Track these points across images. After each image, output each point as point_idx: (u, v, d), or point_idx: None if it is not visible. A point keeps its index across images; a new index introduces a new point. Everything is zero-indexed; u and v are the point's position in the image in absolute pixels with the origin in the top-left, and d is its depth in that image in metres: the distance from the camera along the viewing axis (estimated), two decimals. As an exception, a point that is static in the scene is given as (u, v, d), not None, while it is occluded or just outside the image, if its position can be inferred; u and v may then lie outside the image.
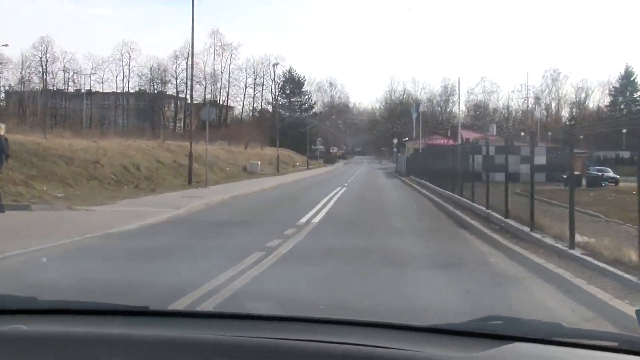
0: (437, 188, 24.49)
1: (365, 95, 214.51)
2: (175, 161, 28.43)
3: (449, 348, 1.46)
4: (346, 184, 28.87)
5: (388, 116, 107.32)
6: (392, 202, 21.11)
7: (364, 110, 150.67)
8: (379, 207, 18.61)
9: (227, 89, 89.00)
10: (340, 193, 23.89)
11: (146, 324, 1.63)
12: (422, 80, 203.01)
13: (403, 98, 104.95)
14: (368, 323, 1.63)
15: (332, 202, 19.19)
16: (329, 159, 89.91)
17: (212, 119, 51.78)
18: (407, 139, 74.86)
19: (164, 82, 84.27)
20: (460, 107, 70.78)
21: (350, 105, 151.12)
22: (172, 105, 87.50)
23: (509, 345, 1.44)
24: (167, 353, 1.36)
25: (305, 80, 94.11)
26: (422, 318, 4.40)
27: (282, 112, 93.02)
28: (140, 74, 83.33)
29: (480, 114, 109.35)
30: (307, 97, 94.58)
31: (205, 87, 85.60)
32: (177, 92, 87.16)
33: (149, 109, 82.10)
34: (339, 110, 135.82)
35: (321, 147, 67.84)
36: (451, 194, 20.24)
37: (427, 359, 1.37)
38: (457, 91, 65.85)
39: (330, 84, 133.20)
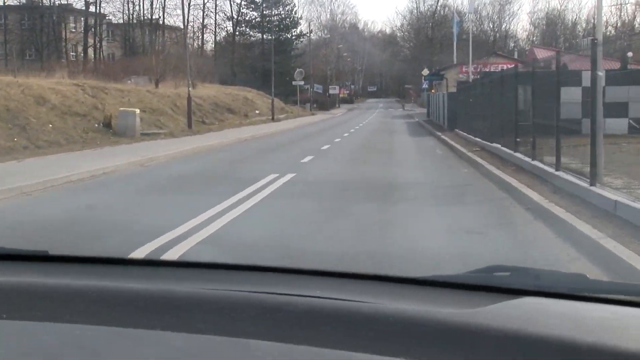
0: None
1: (381, 10, 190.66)
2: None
3: (444, 303, 1.47)
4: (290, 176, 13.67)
5: (415, 36, 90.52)
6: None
7: (380, 32, 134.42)
8: None
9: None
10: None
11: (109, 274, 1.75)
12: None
13: (436, 8, 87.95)
14: (345, 274, 1.69)
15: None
16: (324, 104, 74.40)
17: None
18: (443, 68, 58.89)
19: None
20: (520, 20, 54.83)
21: (360, 26, 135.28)
22: (77, 23, 71.75)
23: (518, 300, 1.46)
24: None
25: (285, -17, 77.73)
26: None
27: (249, 32, 77.11)
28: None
29: (553, 29, 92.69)
30: (288, 8, 78.19)
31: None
32: (87, 4, 71.25)
33: (39, 28, 66.72)
34: (342, 33, 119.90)
35: (301, 82, 52.20)
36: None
37: (416, 316, 1.39)
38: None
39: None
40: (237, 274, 1.74)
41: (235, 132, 29.40)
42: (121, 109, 23.58)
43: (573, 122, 12.55)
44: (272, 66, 44.90)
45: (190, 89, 29.67)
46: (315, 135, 29.09)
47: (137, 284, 1.58)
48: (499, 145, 16.88)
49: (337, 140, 25.80)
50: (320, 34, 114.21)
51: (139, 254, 6.04)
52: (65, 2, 71.32)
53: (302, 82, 52.51)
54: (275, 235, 7.33)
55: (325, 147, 21.77)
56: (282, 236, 7.26)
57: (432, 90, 53.38)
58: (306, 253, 6.37)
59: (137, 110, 23.39)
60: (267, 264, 1.76)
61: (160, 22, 73.37)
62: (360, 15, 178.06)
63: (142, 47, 69.38)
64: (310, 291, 1.49)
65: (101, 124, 23.06)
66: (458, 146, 20.51)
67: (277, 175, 12.63)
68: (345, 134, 29.80)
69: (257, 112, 44.90)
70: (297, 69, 54.32)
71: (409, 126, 39.03)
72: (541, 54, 56.37)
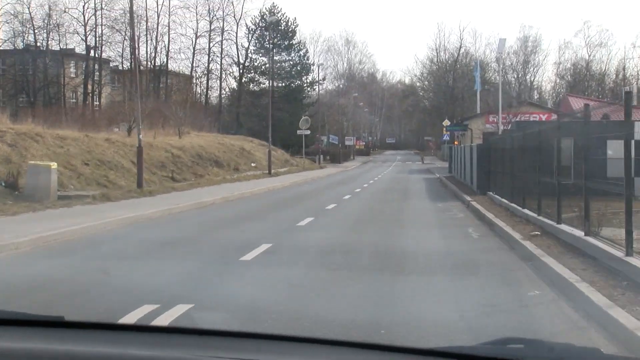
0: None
1: (400, 59, 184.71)
2: None
3: None
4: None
5: (435, 86, 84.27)
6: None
7: (399, 83, 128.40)
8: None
9: (166, 44, 67.29)
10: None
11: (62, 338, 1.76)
12: (486, 33, 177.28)
13: (458, 56, 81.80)
14: (355, 344, 1.68)
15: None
16: (335, 156, 67.81)
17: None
18: (466, 118, 52.14)
19: (59, 29, 62.89)
20: (545, 70, 48.97)
21: (378, 76, 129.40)
22: (78, 68, 66.44)
23: None
24: None
25: (297, 26, 71.98)
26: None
27: (258, 78, 71.26)
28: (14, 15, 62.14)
29: (580, 80, 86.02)
30: (300, 53, 72.31)
31: (125, 39, 64.11)
32: (87, 48, 65.95)
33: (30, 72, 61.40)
34: (359, 83, 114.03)
35: (307, 131, 45.48)
36: None
37: None
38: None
39: (347, 42, 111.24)
40: (232, 340, 1.74)
41: (207, 192, 22.66)
42: (31, 162, 16.90)
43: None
44: (269, 111, 38.42)
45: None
46: (304, 199, 22.28)
47: (147, 351, 1.58)
48: (573, 231, 9.98)
49: (330, 207, 18.95)
50: (337, 84, 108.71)
51: None
52: (65, 47, 66.09)
53: (307, 132, 45.95)
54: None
55: (304, 221, 14.84)
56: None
57: (455, 142, 46.61)
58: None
59: (54, 165, 16.65)
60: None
61: (164, 68, 67.64)
62: (379, 65, 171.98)
63: (146, 92, 63.55)
64: None
65: (2, 183, 16.42)
66: (501, 224, 13.52)
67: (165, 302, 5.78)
68: (347, 196, 22.96)
69: (253, 164, 38.31)
70: (303, 117, 47.74)
71: (428, 185, 32.10)
72: (576, 104, 49.57)
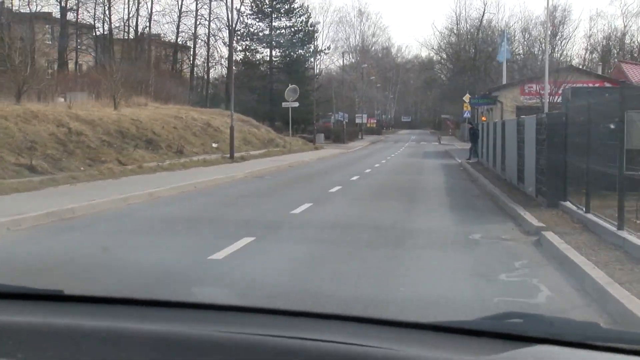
0: None
1: (417, 32, 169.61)
2: None
3: (458, 349, 1.44)
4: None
5: (454, 58, 73.25)
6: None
7: (415, 58, 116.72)
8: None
9: (148, 6, 56.72)
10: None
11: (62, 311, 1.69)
12: (509, 3, 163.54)
13: (481, 23, 70.63)
14: (356, 318, 1.64)
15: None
16: (339, 135, 57.38)
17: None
18: (493, 89, 41.38)
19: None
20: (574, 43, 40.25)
21: (393, 50, 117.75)
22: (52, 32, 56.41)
23: (531, 348, 1.43)
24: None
25: (300, -14, 61.03)
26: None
27: (254, 46, 60.75)
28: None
29: (617, 50, 74.62)
30: (301, 19, 61.57)
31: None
32: (63, 10, 55.89)
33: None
34: (373, 57, 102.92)
35: (295, 103, 34.78)
36: None
37: None
38: None
39: (360, 13, 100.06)
40: (251, 316, 1.68)
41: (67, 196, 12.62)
42: None
43: None
44: (231, 68, 28.19)
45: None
46: (222, 217, 11.86)
47: (149, 326, 1.54)
48: None
49: (243, 245, 8.62)
50: (349, 58, 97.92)
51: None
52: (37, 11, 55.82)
53: (295, 104, 35.45)
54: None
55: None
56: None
57: (483, 118, 36.01)
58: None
59: None
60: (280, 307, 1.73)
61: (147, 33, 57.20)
62: (394, 39, 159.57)
63: (120, 60, 53.34)
64: (324, 335, 1.44)
65: None
66: None
67: None
68: (302, 207, 12.49)
69: (214, 145, 28.09)
70: (290, 86, 37.22)
71: (448, 177, 21.64)
72: (632, 71, 38.79)
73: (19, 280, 1.93)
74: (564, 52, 78.91)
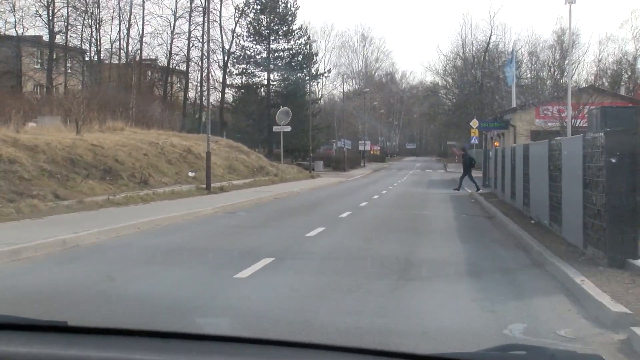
0: None
1: (421, 57, 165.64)
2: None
3: None
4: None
5: (459, 81, 69.83)
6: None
7: (420, 84, 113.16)
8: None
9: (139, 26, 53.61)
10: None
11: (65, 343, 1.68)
12: (516, 26, 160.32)
13: (488, 46, 67.35)
14: (358, 349, 1.63)
15: None
16: (339, 162, 53.85)
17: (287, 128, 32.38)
18: (504, 112, 37.76)
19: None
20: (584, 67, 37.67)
21: (397, 77, 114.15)
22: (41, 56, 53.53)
23: None
24: None
25: (297, 9, 57.84)
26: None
27: (252, 70, 57.47)
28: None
29: (629, 74, 71.10)
30: (300, 41, 58.33)
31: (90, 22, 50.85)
32: (52, 33, 52.95)
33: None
34: (377, 84, 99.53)
35: (287, 128, 31.19)
36: None
37: None
38: None
39: (363, 38, 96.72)
40: (251, 347, 1.67)
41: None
42: None
43: None
44: (209, 97, 24.57)
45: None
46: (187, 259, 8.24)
47: (152, 356, 1.50)
48: None
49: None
50: (352, 83, 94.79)
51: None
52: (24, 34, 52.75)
53: (288, 128, 31.95)
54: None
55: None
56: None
57: (496, 144, 32.36)
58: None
59: None
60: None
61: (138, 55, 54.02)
62: (398, 65, 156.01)
63: (107, 84, 50.03)
64: None
65: None
66: None
67: None
68: (253, 268, 8.84)
69: (191, 174, 24.51)
70: (282, 108, 33.73)
71: (458, 213, 17.89)
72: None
73: None
74: (575, 76, 75.32)
